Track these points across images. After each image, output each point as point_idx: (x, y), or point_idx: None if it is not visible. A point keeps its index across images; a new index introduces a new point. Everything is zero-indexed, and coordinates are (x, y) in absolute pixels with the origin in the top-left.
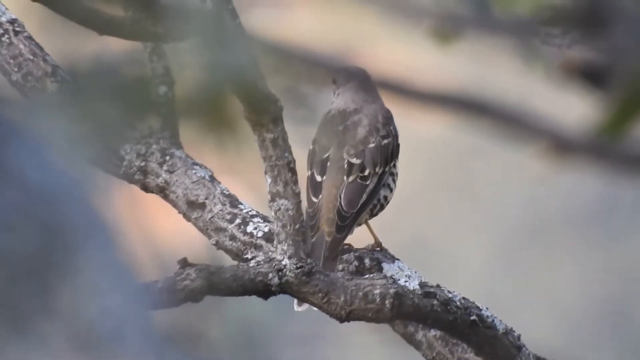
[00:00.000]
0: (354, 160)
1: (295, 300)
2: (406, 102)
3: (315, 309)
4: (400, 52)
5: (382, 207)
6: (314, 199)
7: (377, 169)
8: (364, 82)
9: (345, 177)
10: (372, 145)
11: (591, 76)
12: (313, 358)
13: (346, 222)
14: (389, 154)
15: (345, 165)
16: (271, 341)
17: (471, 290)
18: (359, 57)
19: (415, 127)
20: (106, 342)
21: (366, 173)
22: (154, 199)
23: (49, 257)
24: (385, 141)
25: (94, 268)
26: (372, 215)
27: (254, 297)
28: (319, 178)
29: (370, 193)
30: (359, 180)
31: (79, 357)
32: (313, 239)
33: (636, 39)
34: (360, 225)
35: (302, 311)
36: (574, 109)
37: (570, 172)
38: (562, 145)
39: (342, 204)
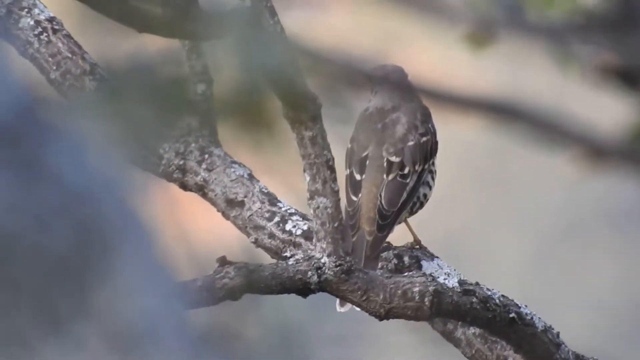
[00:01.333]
0: (394, 159)
1: (338, 301)
2: (440, 104)
3: (356, 308)
4: (434, 54)
5: (421, 205)
6: (354, 198)
7: (416, 167)
8: (401, 80)
9: (385, 176)
10: (411, 143)
11: (627, 78)
12: (350, 358)
13: (387, 220)
14: (428, 151)
15: (385, 164)
16: (308, 341)
17: (507, 290)
18: (393, 59)
19: (449, 130)
20: (143, 342)
21: (406, 171)
22: (191, 199)
23: (86, 257)
24: (424, 139)
25: (131, 268)
26: (412, 213)
27: (291, 297)
28: (358, 177)
29: (410, 191)
30: (398, 179)
31: (115, 358)
32: (354, 238)
33: None
34: (400, 223)
35: (343, 312)
36: (610, 111)
37: (605, 176)
38: (596, 150)
39: (383, 202)
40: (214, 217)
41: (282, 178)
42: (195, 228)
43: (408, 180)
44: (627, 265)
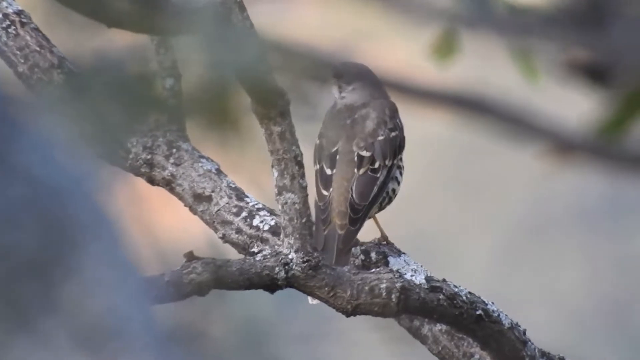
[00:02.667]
0: (364, 153)
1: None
2: (408, 99)
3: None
4: (402, 49)
5: (390, 200)
6: (325, 192)
7: (386, 162)
8: (369, 77)
9: (355, 170)
10: (381, 137)
11: (594, 74)
12: (317, 356)
13: (359, 214)
14: (397, 146)
15: (356, 158)
16: (274, 338)
17: (474, 287)
18: (361, 54)
19: (416, 125)
20: (110, 338)
21: (376, 166)
22: (158, 194)
23: (53, 253)
24: (393, 134)
25: (98, 263)
26: (381, 208)
27: (258, 294)
28: (329, 171)
29: (380, 185)
30: (369, 173)
31: (83, 354)
32: (325, 232)
33: (635, 39)
34: (369, 218)
35: (314, 305)
36: (577, 106)
37: (573, 171)
38: (564, 145)
39: (354, 196)
40: (181, 212)
41: (249, 173)
42: (163, 223)
43: (378, 175)
44: (594, 263)
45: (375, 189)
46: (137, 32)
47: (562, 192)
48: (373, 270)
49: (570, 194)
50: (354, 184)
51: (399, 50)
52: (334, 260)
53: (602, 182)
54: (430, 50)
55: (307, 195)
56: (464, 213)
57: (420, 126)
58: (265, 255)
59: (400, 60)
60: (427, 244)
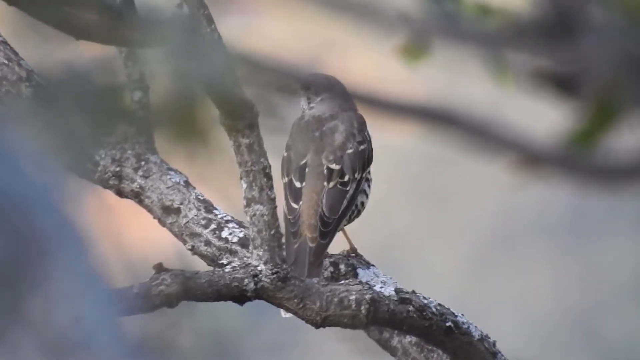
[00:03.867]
0: (334, 166)
1: None
2: (375, 111)
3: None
4: (369, 61)
5: (359, 213)
6: (294, 205)
7: (355, 175)
8: (337, 89)
9: (325, 183)
10: (350, 151)
11: (562, 85)
12: None
13: (329, 227)
14: (366, 159)
15: (325, 171)
16: (243, 350)
17: (443, 298)
18: (328, 66)
19: (384, 137)
20: (77, 350)
21: (346, 179)
22: (126, 206)
23: (19, 264)
24: (362, 147)
25: (65, 275)
26: (349, 221)
27: (227, 306)
28: (298, 184)
29: (350, 199)
30: (339, 186)
31: None
32: (295, 245)
33: (604, 49)
34: (339, 231)
35: (287, 318)
36: (545, 118)
37: (541, 183)
38: (531, 157)
39: (324, 209)
40: (150, 224)
41: (218, 185)
42: (131, 235)
43: (348, 188)
44: (562, 274)
45: (345, 202)
46: (105, 43)
47: (529, 204)
48: (342, 282)
49: (536, 205)
50: (324, 197)
51: (367, 62)
52: (306, 274)
53: (567, 194)
54: (400, 51)
55: (275, 207)
56: (432, 224)
57: (388, 138)
58: (234, 266)
59: (367, 72)
60: (396, 255)
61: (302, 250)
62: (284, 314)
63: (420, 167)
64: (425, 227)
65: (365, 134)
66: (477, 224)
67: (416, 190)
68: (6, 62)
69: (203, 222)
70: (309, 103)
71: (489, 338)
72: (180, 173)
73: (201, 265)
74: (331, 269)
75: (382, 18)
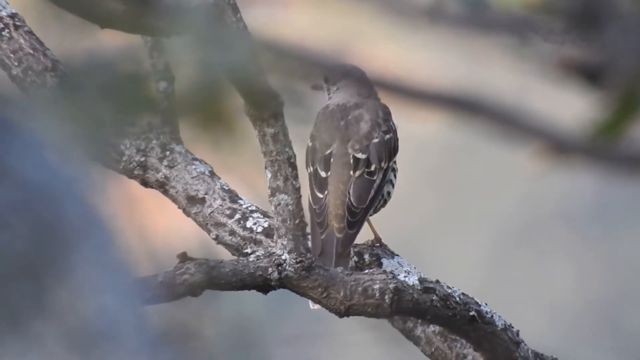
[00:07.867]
0: (360, 155)
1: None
2: (400, 100)
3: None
4: (394, 50)
5: (385, 203)
6: (320, 195)
7: (382, 164)
8: (360, 78)
9: (351, 173)
10: (376, 140)
11: (589, 74)
12: (308, 357)
13: (357, 217)
14: (391, 149)
15: (351, 161)
16: (266, 340)
17: (467, 288)
18: (354, 55)
19: (409, 126)
20: (101, 340)
21: (372, 168)
22: (150, 196)
23: (45, 255)
24: (388, 136)
25: (90, 265)
26: (375, 211)
27: (250, 295)
28: (323, 174)
29: (377, 188)
30: (366, 176)
31: (74, 355)
32: (323, 236)
33: (629, 39)
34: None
35: (306, 305)
36: (571, 107)
37: (565, 171)
38: (557, 146)
39: (352, 199)
40: (175, 214)
41: (243, 175)
42: (156, 225)
43: (375, 178)
44: (585, 264)
45: (372, 192)
46: (130, 32)
47: (552, 193)
48: (366, 271)
49: (560, 194)
50: (351, 186)
51: (392, 52)
52: (334, 264)
53: (592, 184)
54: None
55: (300, 196)
56: (455, 214)
57: (411, 127)
58: (258, 256)
59: (392, 62)
60: (420, 244)
61: (330, 241)
62: (312, 305)
63: (443, 156)
64: (449, 217)
65: (391, 123)
66: (500, 213)
67: (438, 179)
68: (32, 52)
69: (228, 212)
70: (328, 93)
71: (513, 328)
72: (205, 163)
73: (225, 255)
74: (355, 258)
75: (407, 7)
